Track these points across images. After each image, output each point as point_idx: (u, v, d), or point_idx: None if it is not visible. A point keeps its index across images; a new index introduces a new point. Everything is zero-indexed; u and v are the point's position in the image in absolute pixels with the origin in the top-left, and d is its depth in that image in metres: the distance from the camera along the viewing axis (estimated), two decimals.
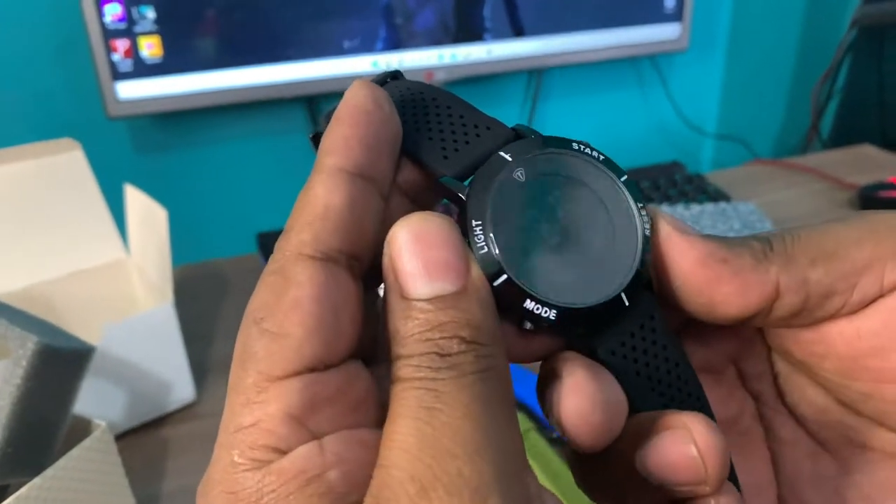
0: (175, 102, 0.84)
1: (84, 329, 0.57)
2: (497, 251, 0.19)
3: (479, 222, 0.19)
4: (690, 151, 1.19)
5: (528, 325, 0.19)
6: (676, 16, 1.01)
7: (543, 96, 1.08)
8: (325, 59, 0.88)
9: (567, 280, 0.19)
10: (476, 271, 0.18)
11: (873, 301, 0.20)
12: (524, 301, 0.19)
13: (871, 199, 0.90)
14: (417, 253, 0.17)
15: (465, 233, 0.19)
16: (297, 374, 0.17)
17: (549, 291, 0.19)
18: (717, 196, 0.89)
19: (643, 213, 0.21)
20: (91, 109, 0.86)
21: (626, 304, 0.20)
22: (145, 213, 0.62)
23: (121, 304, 0.67)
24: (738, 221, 0.80)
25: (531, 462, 0.51)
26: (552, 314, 0.19)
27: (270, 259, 0.18)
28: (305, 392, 0.17)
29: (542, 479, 0.50)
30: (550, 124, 1.11)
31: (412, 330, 0.17)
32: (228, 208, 0.99)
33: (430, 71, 0.92)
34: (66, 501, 0.43)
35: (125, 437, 0.59)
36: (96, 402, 0.55)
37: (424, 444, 0.15)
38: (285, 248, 0.18)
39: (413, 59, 0.91)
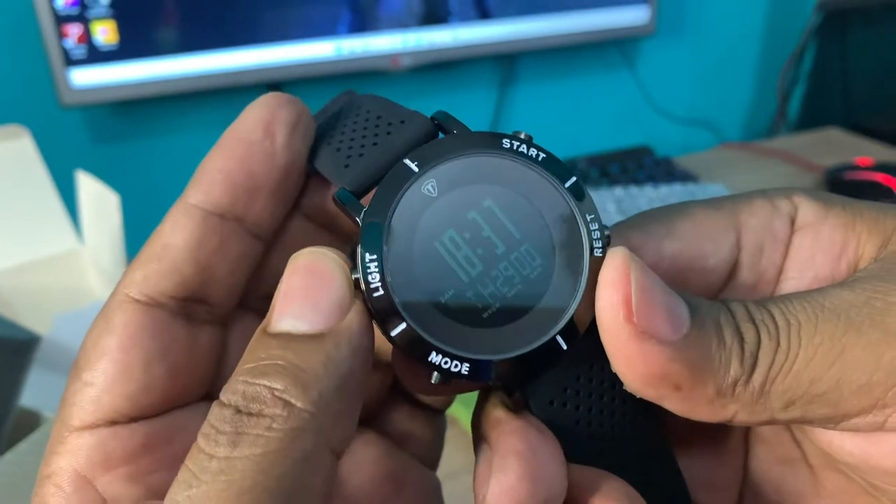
0: (132, 90, 0.82)
1: (37, 321, 0.55)
2: (395, 294, 0.15)
3: (374, 257, 0.15)
4: (659, 136, 1.19)
5: (437, 378, 0.16)
6: None
7: (512, 82, 1.07)
8: (288, 43, 0.86)
9: (487, 324, 0.16)
10: (351, 321, 0.15)
11: (867, 432, 0.16)
12: (428, 354, 0.15)
13: (837, 180, 0.90)
14: (290, 287, 0.15)
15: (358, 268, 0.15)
16: (94, 426, 0.16)
17: (460, 341, 0.15)
18: (685, 178, 0.89)
19: (593, 227, 0.16)
20: (44, 97, 0.84)
21: (565, 348, 0.16)
22: (97, 199, 0.60)
23: (74, 295, 0.65)
24: None
25: None
26: (464, 368, 0.15)
27: (111, 294, 0.17)
28: (97, 448, 0.16)
29: None
30: (519, 110, 1.10)
31: (239, 368, 0.15)
32: None
33: (395, 56, 0.91)
34: (15, 496, 0.41)
35: None
36: (47, 394, 0.53)
37: None
38: (120, 285, 0.17)
39: (377, 45, 0.90)
